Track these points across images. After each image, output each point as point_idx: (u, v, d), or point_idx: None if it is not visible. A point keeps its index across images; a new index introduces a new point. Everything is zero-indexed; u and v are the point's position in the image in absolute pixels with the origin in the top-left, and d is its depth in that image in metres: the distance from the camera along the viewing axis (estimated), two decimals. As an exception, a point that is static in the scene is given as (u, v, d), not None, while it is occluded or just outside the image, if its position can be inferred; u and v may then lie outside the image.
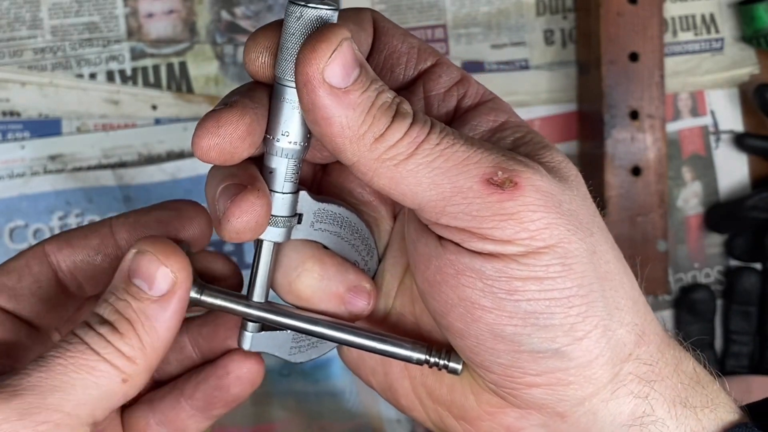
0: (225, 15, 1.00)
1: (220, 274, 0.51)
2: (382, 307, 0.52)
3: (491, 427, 0.48)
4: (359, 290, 0.50)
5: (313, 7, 0.43)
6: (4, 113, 0.97)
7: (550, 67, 1.04)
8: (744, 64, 1.05)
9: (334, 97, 0.41)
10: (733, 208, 1.02)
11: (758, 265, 1.03)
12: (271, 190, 0.46)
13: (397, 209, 0.52)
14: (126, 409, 0.53)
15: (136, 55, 0.99)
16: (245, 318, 0.50)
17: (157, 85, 0.99)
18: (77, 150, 0.97)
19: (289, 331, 0.50)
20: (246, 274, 0.50)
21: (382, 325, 0.52)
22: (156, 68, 0.99)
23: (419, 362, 0.49)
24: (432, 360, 0.48)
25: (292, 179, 0.46)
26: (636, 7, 0.97)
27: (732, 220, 1.03)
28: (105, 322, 0.43)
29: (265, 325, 0.50)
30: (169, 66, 0.99)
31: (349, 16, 0.47)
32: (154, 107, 0.99)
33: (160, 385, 0.54)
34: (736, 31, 1.05)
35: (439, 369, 0.48)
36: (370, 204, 0.51)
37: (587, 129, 1.02)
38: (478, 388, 0.48)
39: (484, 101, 0.49)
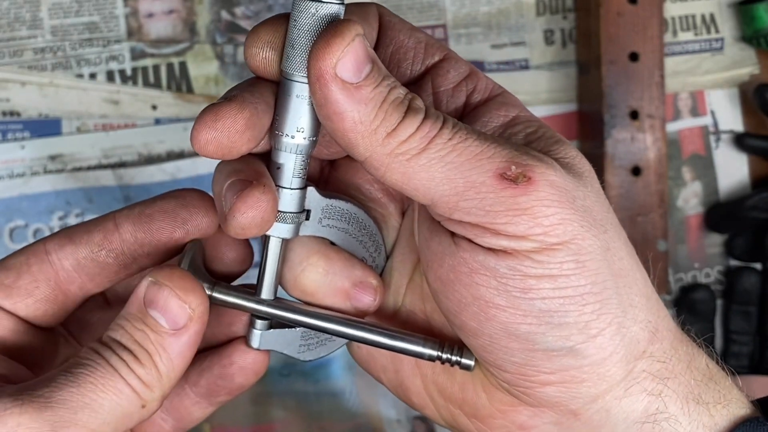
0: (225, 15, 1.00)
1: (232, 256, 0.51)
2: (391, 304, 0.52)
3: (503, 425, 0.48)
4: (365, 286, 0.50)
5: (322, 3, 0.43)
6: (4, 113, 0.96)
7: (550, 67, 1.04)
8: (744, 64, 1.06)
9: (346, 92, 0.41)
10: (733, 208, 1.02)
11: (758, 265, 1.03)
12: (279, 186, 0.46)
13: (405, 206, 0.52)
14: None
15: (136, 55, 0.99)
16: (254, 315, 0.50)
17: (157, 85, 0.99)
18: (77, 150, 0.97)
19: (298, 328, 0.50)
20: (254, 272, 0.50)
21: (391, 322, 0.52)
22: (156, 68, 0.99)
23: (431, 358, 0.48)
24: (444, 356, 0.48)
25: (300, 175, 0.46)
26: (636, 7, 0.97)
27: (732, 220, 1.03)
28: (126, 348, 0.44)
29: (274, 323, 0.50)
30: (169, 66, 0.99)
31: (355, 10, 0.47)
32: (154, 107, 0.99)
33: None
34: (736, 31, 1.06)
35: (452, 365, 0.48)
36: (378, 200, 0.51)
37: (587, 129, 1.02)
38: (490, 386, 0.48)
39: (494, 96, 0.48)
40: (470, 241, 0.43)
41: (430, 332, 0.51)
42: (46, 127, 0.97)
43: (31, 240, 0.95)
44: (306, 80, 0.43)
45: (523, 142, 0.46)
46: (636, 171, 0.97)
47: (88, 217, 0.95)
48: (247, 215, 0.43)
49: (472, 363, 0.48)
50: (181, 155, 0.99)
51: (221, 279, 0.50)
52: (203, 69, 1.00)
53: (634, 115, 0.97)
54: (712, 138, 1.05)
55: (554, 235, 0.42)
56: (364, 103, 0.42)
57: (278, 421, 0.99)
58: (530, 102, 1.03)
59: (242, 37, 1.00)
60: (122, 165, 0.98)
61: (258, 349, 0.51)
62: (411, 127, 0.42)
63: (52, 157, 0.97)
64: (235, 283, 0.51)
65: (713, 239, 1.06)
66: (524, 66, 1.04)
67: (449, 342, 0.49)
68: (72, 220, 0.96)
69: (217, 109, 0.43)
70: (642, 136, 0.97)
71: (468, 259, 0.43)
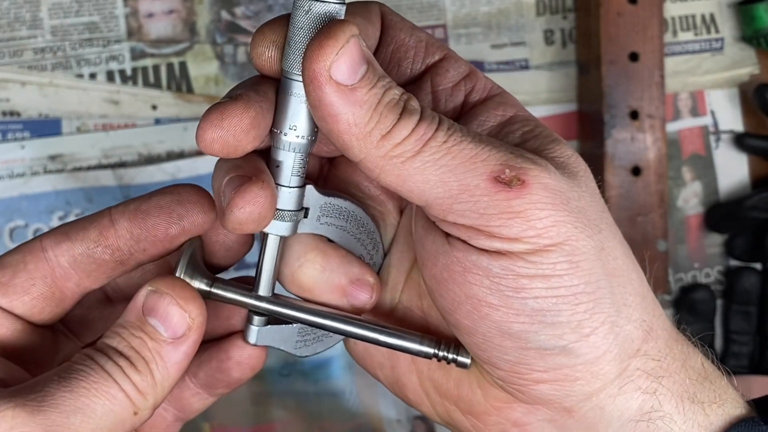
0: (225, 15, 1.00)
1: (230, 243, 0.51)
2: (388, 301, 0.52)
3: (498, 421, 0.48)
4: (362, 283, 0.50)
5: (321, 2, 0.43)
6: (4, 113, 0.96)
7: (550, 67, 1.04)
8: (744, 64, 1.05)
9: (340, 94, 0.41)
10: (733, 208, 1.02)
11: (758, 265, 1.03)
12: (277, 184, 0.46)
13: (403, 204, 0.52)
14: None
15: (136, 55, 0.99)
16: (252, 311, 0.50)
17: (157, 85, 0.99)
18: (77, 150, 0.97)
19: (294, 325, 0.50)
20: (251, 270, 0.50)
21: (388, 319, 0.52)
22: (156, 68, 0.99)
23: (428, 356, 0.49)
24: (441, 353, 0.48)
25: (299, 173, 0.46)
26: (636, 7, 0.97)
27: (732, 220, 1.03)
28: (122, 355, 0.44)
29: (272, 320, 0.50)
30: (169, 66, 0.99)
31: (357, 9, 0.47)
32: (154, 107, 0.99)
33: None
34: (736, 31, 1.05)
35: (448, 363, 0.48)
36: (376, 198, 0.51)
37: (587, 129, 1.02)
38: (485, 383, 0.48)
39: (492, 95, 0.49)
40: (464, 241, 0.43)
41: (427, 329, 0.51)
42: (46, 127, 0.97)
43: (31, 240, 0.95)
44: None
45: (519, 141, 0.46)
46: (636, 171, 0.97)
47: (88, 217, 0.96)
48: (245, 210, 0.44)
49: (468, 361, 0.48)
50: (181, 155, 0.99)
51: (219, 268, 0.50)
52: (203, 69, 1.00)
53: (634, 115, 0.97)
54: (712, 138, 1.05)
55: (548, 237, 0.42)
56: (359, 105, 0.42)
57: (278, 421, 0.99)
58: (530, 102, 1.03)
59: (242, 37, 1.00)
60: (122, 165, 0.98)
61: (255, 345, 0.51)
62: (406, 129, 0.42)
63: (52, 157, 0.97)
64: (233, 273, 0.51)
65: (713, 239, 1.06)
66: (524, 66, 1.04)
67: (446, 340, 0.49)
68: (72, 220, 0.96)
69: (223, 108, 0.43)
70: (642, 136, 0.97)
71: (461, 258, 0.43)
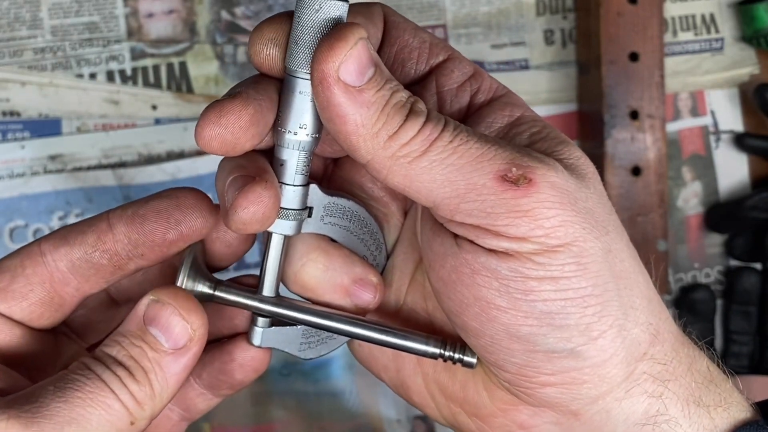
0: (225, 15, 1.00)
1: (230, 240, 0.51)
2: (393, 302, 0.52)
3: (504, 423, 0.48)
4: (365, 283, 0.50)
5: (327, 1, 0.43)
6: (4, 113, 0.96)
7: (550, 67, 1.04)
8: (744, 64, 1.06)
9: (348, 95, 0.41)
10: (733, 208, 1.02)
11: (758, 265, 1.03)
12: (281, 183, 0.46)
13: (407, 205, 0.52)
14: None
15: (136, 55, 0.99)
16: (256, 313, 0.50)
17: (157, 85, 0.99)
18: (77, 150, 0.97)
19: (299, 327, 0.50)
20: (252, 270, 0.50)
21: (393, 320, 0.52)
22: (156, 68, 0.99)
23: (434, 356, 0.48)
24: (447, 354, 0.48)
25: (303, 172, 0.46)
26: (636, 7, 0.97)
27: (732, 220, 1.03)
28: (120, 364, 0.44)
29: (276, 321, 0.50)
30: (169, 66, 0.99)
31: (360, 10, 0.47)
32: (154, 107, 0.99)
33: None
34: (736, 31, 1.05)
35: (454, 363, 0.48)
36: (380, 199, 0.51)
37: (587, 129, 1.02)
38: (491, 384, 0.48)
39: (498, 96, 0.49)
40: (472, 242, 0.43)
41: (432, 330, 0.51)
42: (46, 127, 0.97)
43: (31, 240, 0.95)
44: (309, 77, 0.43)
45: (527, 143, 0.46)
46: (636, 171, 0.97)
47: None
48: (249, 210, 0.43)
49: (474, 361, 0.48)
50: (181, 155, 0.98)
51: (220, 267, 0.50)
52: (203, 69, 1.00)
53: (634, 115, 0.97)
54: (712, 138, 1.05)
55: (555, 237, 0.42)
56: (367, 106, 0.42)
57: (278, 421, 0.99)
58: (530, 102, 1.01)
59: (242, 37, 1.00)
60: (122, 165, 0.98)
61: (259, 347, 0.51)
62: (412, 130, 0.42)
63: (52, 157, 0.96)
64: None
65: (713, 239, 1.06)
66: (524, 66, 1.04)
67: (452, 340, 0.49)
68: (72, 221, 0.96)
69: (222, 105, 0.43)
70: (642, 136, 0.97)
71: (470, 260, 0.43)
